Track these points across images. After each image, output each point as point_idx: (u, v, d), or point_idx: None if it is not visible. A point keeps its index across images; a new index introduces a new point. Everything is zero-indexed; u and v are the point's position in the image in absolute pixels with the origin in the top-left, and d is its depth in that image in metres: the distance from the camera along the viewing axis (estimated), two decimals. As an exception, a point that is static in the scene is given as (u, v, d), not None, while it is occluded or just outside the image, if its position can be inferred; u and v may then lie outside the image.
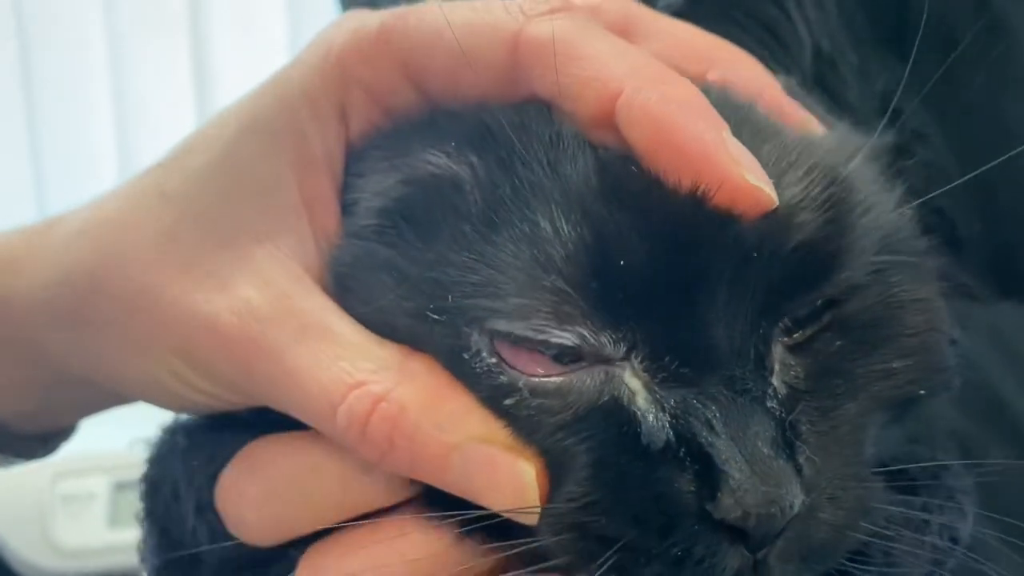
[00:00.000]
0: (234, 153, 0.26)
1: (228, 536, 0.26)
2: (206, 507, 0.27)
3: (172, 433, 0.30)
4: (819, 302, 0.23)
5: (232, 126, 0.26)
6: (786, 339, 0.23)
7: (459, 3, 0.25)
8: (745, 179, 0.21)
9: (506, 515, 0.21)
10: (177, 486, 0.28)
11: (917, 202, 0.36)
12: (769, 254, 0.21)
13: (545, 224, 0.21)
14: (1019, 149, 0.37)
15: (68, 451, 0.84)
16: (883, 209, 0.25)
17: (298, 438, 0.26)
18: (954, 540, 0.29)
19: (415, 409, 0.22)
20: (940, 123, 0.40)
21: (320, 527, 0.25)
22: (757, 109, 0.26)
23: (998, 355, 0.36)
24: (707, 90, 0.24)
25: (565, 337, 0.21)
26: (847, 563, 0.24)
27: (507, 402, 0.22)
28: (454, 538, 0.23)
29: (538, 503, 0.21)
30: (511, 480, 0.21)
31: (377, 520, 0.25)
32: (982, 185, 0.40)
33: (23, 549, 0.81)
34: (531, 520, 0.21)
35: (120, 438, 0.86)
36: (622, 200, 0.21)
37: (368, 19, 0.26)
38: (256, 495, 0.26)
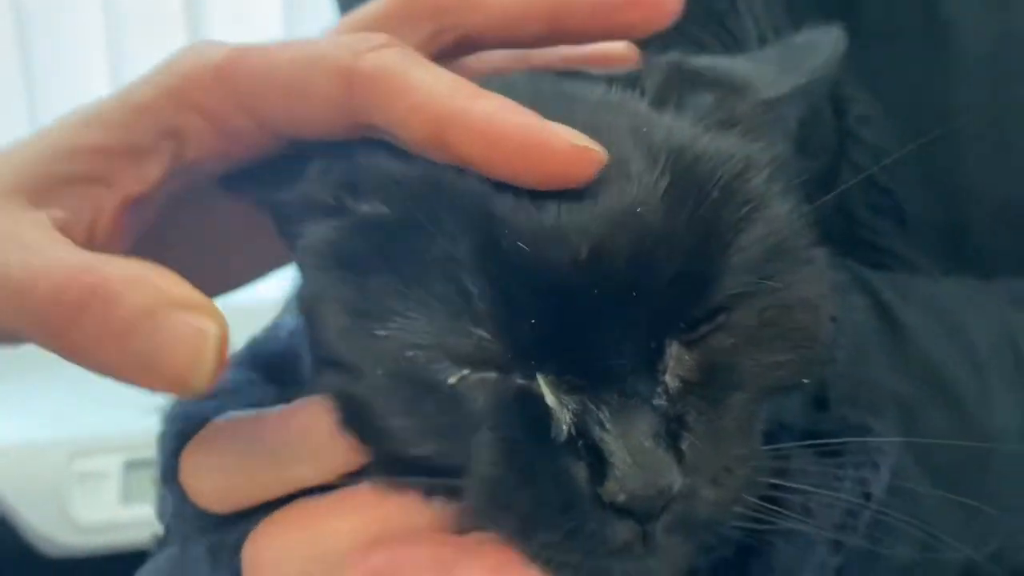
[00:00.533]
0: (63, 138, 0.27)
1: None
2: (170, 478, 0.29)
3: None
4: (709, 308, 0.25)
5: (76, 115, 0.28)
6: (682, 337, 0.25)
7: (298, 40, 0.27)
8: (571, 143, 0.23)
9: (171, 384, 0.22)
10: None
11: (858, 178, 0.39)
12: (647, 288, 0.24)
13: (466, 284, 0.24)
14: (938, 134, 0.40)
15: (83, 432, 0.88)
16: (771, 217, 0.27)
17: (245, 419, 0.28)
18: (866, 495, 0.31)
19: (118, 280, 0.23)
20: (886, 108, 0.42)
21: (264, 499, 0.27)
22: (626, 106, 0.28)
23: (937, 326, 0.39)
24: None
25: (485, 373, 0.25)
26: (766, 515, 0.27)
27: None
28: (397, 503, 0.26)
29: (213, 365, 0.22)
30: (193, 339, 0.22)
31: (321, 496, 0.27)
32: (929, 166, 0.42)
33: (41, 525, 0.85)
34: (200, 383, 0.22)
35: (132, 420, 0.89)
36: (519, 265, 0.24)
37: (213, 50, 0.27)
38: (206, 467, 0.28)
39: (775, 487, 0.27)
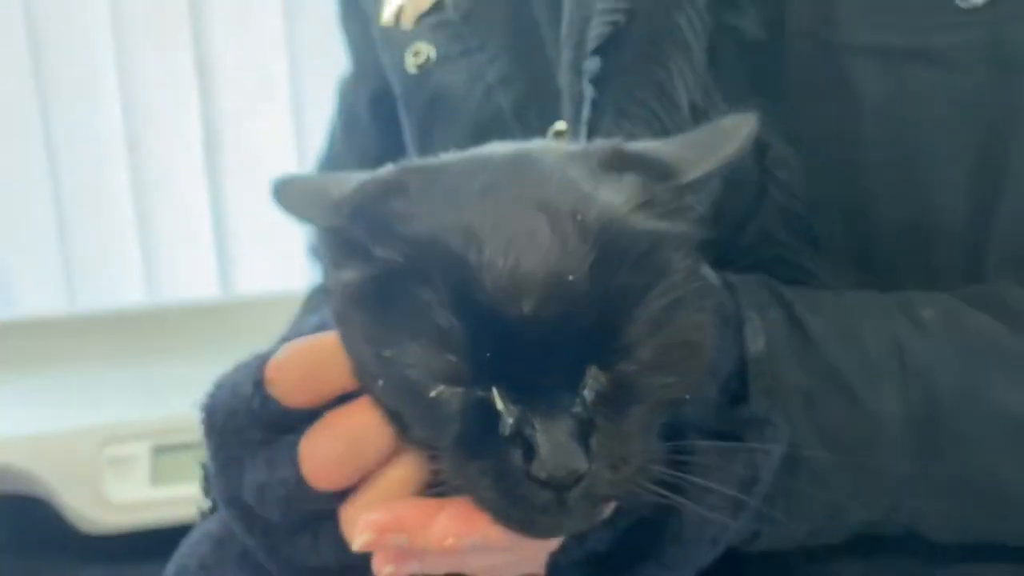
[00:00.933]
0: None
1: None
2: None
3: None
4: (624, 342, 0.34)
5: None
6: (602, 363, 0.34)
7: None
8: None
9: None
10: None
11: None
12: (572, 332, 0.33)
13: (444, 323, 0.33)
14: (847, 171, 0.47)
15: (114, 420, 0.95)
16: (673, 282, 0.35)
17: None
18: (756, 474, 0.40)
19: None
20: (803, 152, 0.49)
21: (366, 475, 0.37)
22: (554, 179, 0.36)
23: (837, 332, 0.46)
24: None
25: (455, 388, 0.34)
26: (667, 493, 0.35)
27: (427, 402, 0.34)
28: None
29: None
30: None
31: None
32: (840, 198, 0.50)
33: (78, 506, 0.92)
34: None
35: (158, 408, 0.97)
36: (483, 312, 0.33)
37: None
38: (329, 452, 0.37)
39: (678, 470, 0.35)
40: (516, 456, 0.33)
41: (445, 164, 0.39)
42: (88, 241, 1.53)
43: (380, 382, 0.35)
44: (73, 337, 1.15)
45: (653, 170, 0.37)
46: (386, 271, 0.35)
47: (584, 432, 0.33)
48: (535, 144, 0.41)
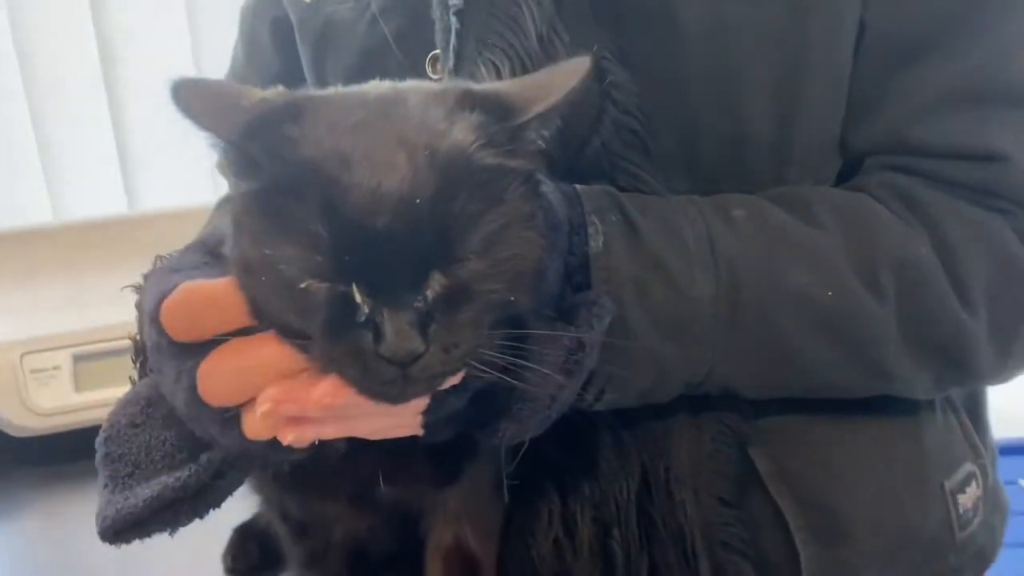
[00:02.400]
0: None
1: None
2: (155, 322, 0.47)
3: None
4: (461, 255, 0.42)
5: None
6: (444, 270, 0.42)
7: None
8: None
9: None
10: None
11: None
12: (412, 241, 0.41)
13: (315, 229, 0.41)
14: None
15: (33, 333, 1.00)
16: (506, 210, 0.43)
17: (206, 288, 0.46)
18: (580, 344, 0.50)
19: None
20: (638, 75, 0.58)
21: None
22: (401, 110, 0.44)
23: (662, 228, 0.56)
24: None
25: (321, 283, 0.42)
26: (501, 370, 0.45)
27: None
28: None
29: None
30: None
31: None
32: (669, 113, 0.59)
33: (6, 414, 0.98)
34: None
35: (76, 320, 1.02)
36: (346, 223, 0.41)
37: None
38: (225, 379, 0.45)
39: (511, 350, 0.45)
40: (368, 339, 0.41)
41: (329, 98, 0.46)
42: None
43: (263, 278, 0.43)
44: (-16, 255, 1.17)
45: (496, 111, 0.44)
46: (272, 185, 0.42)
47: (423, 323, 0.42)
48: (406, 84, 0.48)
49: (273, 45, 0.76)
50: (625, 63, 0.57)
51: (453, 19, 0.56)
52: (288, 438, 0.45)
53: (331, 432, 0.47)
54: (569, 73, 0.46)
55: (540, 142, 0.46)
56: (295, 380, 0.44)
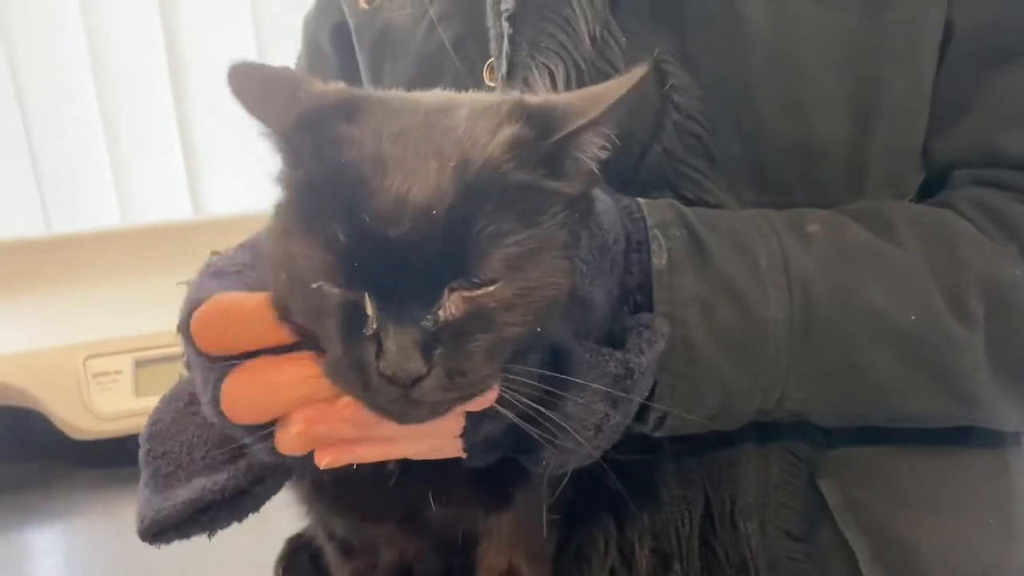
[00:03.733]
0: None
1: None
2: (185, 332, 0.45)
3: None
4: (479, 277, 0.40)
5: None
6: (460, 292, 0.40)
7: None
8: None
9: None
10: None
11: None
12: (425, 254, 0.39)
13: (335, 232, 0.39)
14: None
15: (96, 336, 1.01)
16: (536, 233, 0.41)
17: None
18: (628, 370, 0.47)
19: None
20: (700, 77, 0.55)
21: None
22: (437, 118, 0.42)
23: (731, 246, 0.53)
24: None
25: (334, 287, 0.40)
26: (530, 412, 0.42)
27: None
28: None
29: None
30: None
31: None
32: (734, 119, 0.56)
33: (67, 416, 0.99)
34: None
35: (139, 325, 1.03)
36: (366, 230, 0.39)
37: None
38: (244, 399, 0.43)
39: (548, 382, 0.42)
40: (371, 352, 0.39)
41: (387, 100, 0.44)
42: (59, 165, 1.56)
43: (283, 275, 0.41)
44: (52, 259, 1.20)
45: (539, 125, 0.41)
46: (308, 182, 0.41)
47: (428, 343, 0.39)
48: (465, 95, 0.46)
49: (333, 51, 0.76)
50: (687, 65, 0.54)
51: (505, 24, 0.54)
52: (324, 461, 0.44)
53: (367, 454, 0.45)
54: (620, 85, 0.43)
55: (590, 162, 0.43)
56: (326, 401, 0.43)
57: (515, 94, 0.46)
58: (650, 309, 0.51)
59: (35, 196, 1.55)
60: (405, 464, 0.49)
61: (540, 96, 0.45)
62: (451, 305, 0.40)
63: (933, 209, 0.57)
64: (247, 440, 0.45)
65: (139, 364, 1.01)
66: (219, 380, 0.44)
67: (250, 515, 0.51)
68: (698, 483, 0.59)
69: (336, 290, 0.40)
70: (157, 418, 0.52)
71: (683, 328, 0.51)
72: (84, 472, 0.99)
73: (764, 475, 0.59)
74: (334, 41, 0.75)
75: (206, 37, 1.59)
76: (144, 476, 0.51)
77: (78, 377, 1.00)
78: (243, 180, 1.62)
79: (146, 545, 0.86)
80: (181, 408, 0.51)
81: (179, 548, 0.87)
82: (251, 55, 1.60)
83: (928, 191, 0.59)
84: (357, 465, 0.46)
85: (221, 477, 0.48)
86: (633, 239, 0.51)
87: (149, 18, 1.55)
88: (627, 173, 0.54)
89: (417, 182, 0.39)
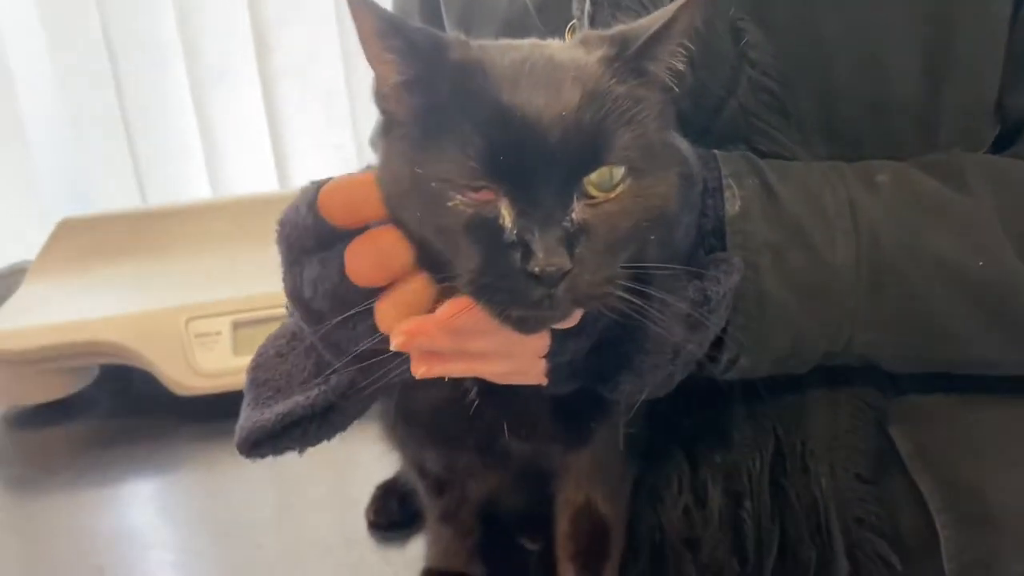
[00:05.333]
0: None
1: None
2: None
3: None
4: (607, 185, 0.44)
5: None
6: (587, 200, 0.44)
7: None
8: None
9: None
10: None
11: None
12: (563, 149, 0.43)
13: (472, 139, 0.43)
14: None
15: (198, 300, 1.07)
16: (642, 131, 0.45)
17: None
18: (706, 297, 0.50)
19: None
20: (775, 34, 0.57)
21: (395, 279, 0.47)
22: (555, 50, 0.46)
23: (801, 195, 0.55)
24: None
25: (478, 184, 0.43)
26: (631, 305, 0.45)
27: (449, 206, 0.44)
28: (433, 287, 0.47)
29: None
30: None
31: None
32: (809, 75, 0.58)
33: (172, 374, 1.05)
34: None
35: (235, 289, 1.09)
36: (503, 134, 0.43)
37: None
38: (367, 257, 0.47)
39: (638, 293, 0.45)
40: (516, 257, 0.42)
41: (486, 44, 0.48)
42: (154, 142, 1.64)
43: (411, 199, 0.45)
44: (153, 229, 1.26)
45: (620, 45, 0.46)
46: (439, 102, 0.44)
47: (571, 242, 0.43)
48: (546, 40, 0.50)
49: (422, 19, 0.80)
50: (761, 23, 0.56)
51: None
52: (419, 371, 0.48)
53: (458, 369, 0.49)
54: (677, 2, 0.46)
55: (664, 73, 0.47)
56: (426, 314, 0.46)
57: (588, 31, 0.50)
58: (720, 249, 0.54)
59: (131, 172, 1.63)
60: (485, 394, 0.53)
61: (608, 29, 0.48)
62: (585, 207, 0.44)
63: (1005, 159, 0.58)
64: (349, 327, 0.49)
65: (236, 326, 1.07)
66: (343, 248, 0.48)
67: (339, 433, 0.55)
68: (769, 426, 0.62)
69: (471, 207, 0.43)
70: (262, 351, 0.57)
71: (754, 272, 0.53)
72: (186, 427, 1.04)
73: (834, 419, 0.61)
74: (424, 11, 0.79)
75: (291, 21, 1.65)
76: (247, 398, 0.56)
77: (181, 338, 1.05)
78: (324, 157, 1.69)
79: (241, 494, 0.92)
80: (283, 344, 0.56)
81: (272, 496, 0.93)
82: (334, 38, 1.67)
83: (1003, 145, 0.60)
84: (440, 390, 0.49)
85: (312, 393, 0.53)
86: (709, 185, 0.54)
87: (238, 6, 1.62)
88: (704, 126, 0.57)
89: (544, 94, 0.43)
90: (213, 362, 1.05)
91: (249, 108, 1.67)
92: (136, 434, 1.05)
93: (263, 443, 0.54)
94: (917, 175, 0.56)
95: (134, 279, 1.17)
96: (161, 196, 1.64)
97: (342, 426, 0.55)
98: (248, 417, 0.54)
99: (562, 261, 0.42)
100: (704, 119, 0.57)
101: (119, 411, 1.12)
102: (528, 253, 0.42)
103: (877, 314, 0.55)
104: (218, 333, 1.06)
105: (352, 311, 0.48)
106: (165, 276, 1.17)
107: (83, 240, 1.23)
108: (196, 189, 1.66)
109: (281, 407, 0.53)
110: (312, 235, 0.49)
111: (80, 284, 1.17)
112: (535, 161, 0.42)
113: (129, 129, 1.61)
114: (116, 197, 1.61)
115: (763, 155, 0.57)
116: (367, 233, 0.47)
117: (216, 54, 1.63)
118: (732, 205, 0.53)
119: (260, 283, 1.08)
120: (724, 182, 0.54)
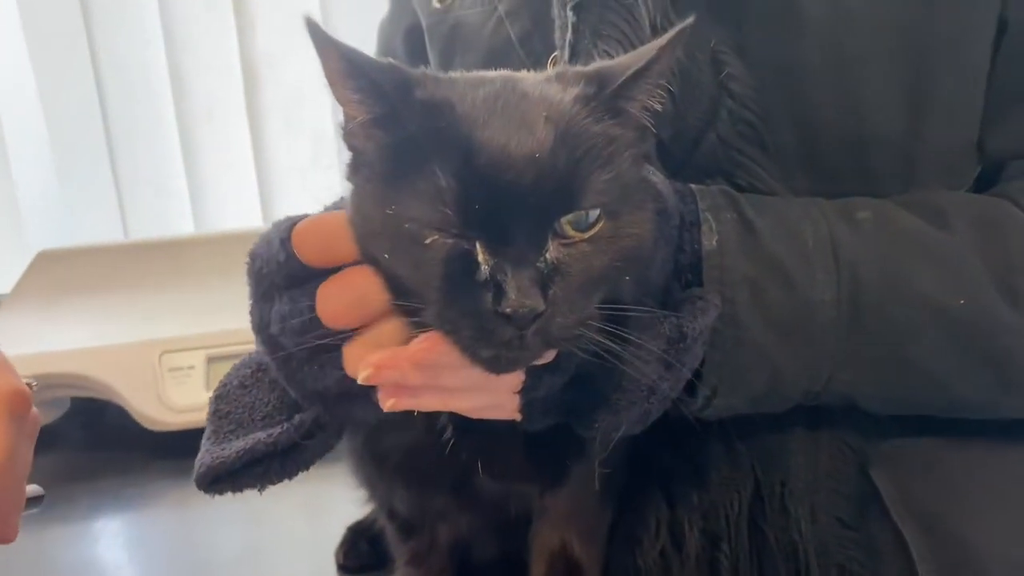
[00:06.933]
0: None
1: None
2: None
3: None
4: (583, 225, 0.43)
5: None
6: (561, 240, 0.43)
7: None
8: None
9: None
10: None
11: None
12: (537, 192, 0.42)
13: (442, 183, 0.42)
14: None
15: (172, 334, 1.06)
16: (618, 172, 0.44)
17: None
18: (682, 334, 0.49)
19: None
20: (754, 66, 0.56)
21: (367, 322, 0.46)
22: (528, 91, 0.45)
23: (780, 230, 0.54)
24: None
25: (446, 238, 0.43)
26: (604, 346, 0.44)
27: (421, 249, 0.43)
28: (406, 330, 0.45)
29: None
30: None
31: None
32: (787, 107, 0.57)
33: (144, 408, 1.03)
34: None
35: (211, 323, 1.07)
36: (476, 177, 0.42)
37: None
38: (341, 297, 0.46)
39: (612, 333, 0.44)
40: (488, 298, 0.41)
41: (455, 77, 0.48)
42: (139, 176, 1.63)
43: (383, 239, 0.44)
44: (131, 263, 1.25)
45: (597, 83, 0.45)
46: (407, 140, 0.43)
47: (544, 282, 0.42)
48: (520, 73, 0.49)
49: (406, 54, 0.80)
50: (742, 55, 0.56)
51: (570, 13, 0.57)
52: (387, 403, 0.46)
53: (428, 403, 0.47)
54: (663, 39, 0.46)
55: (640, 113, 0.46)
56: (399, 348, 0.45)
57: (565, 66, 0.49)
58: (696, 285, 0.53)
59: (115, 205, 1.62)
60: (460, 431, 0.51)
61: (590, 65, 0.48)
62: (560, 247, 0.43)
63: (985, 198, 0.57)
64: (317, 365, 0.47)
65: (211, 360, 1.05)
66: (315, 287, 0.47)
67: (302, 471, 0.54)
68: (748, 466, 0.60)
69: (449, 241, 0.42)
70: (226, 381, 0.55)
71: (732, 307, 0.52)
72: (157, 463, 1.02)
73: (814, 461, 0.60)
74: (407, 44, 0.79)
75: (280, 59, 1.66)
76: (207, 431, 0.54)
77: (154, 371, 1.04)
78: (308, 193, 1.68)
79: (210, 533, 0.90)
80: (248, 374, 0.55)
81: (241, 535, 0.91)
82: (323, 77, 1.67)
83: (984, 183, 0.59)
84: (412, 429, 0.48)
85: (276, 431, 0.51)
86: (686, 219, 0.53)
87: (227, 39, 1.62)
88: (682, 160, 0.56)
89: (516, 134, 0.42)
90: (185, 397, 1.03)
91: (236, 145, 1.66)
92: (106, 469, 1.03)
93: (222, 480, 0.52)
94: (899, 212, 0.55)
95: (109, 312, 1.15)
96: (144, 232, 1.63)
97: (305, 465, 0.53)
98: (208, 451, 0.53)
99: (535, 302, 0.41)
100: (682, 152, 0.57)
101: (89, 445, 1.10)
102: (500, 293, 0.41)
103: (857, 353, 0.53)
104: (191, 367, 1.05)
105: (321, 352, 0.47)
106: (140, 310, 1.15)
107: (60, 272, 1.22)
108: (180, 225, 1.65)
109: (242, 443, 0.52)
110: (283, 272, 0.48)
111: (54, 316, 1.15)
112: (509, 203, 0.42)
113: (115, 164, 1.61)
114: (100, 232, 1.60)
115: (741, 189, 0.57)
116: (340, 274, 0.47)
117: (204, 93, 1.63)
118: (709, 239, 0.53)
119: (236, 318, 1.05)
120: (701, 216, 0.53)
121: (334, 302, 0.46)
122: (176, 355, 1.05)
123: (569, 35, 0.57)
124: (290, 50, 1.65)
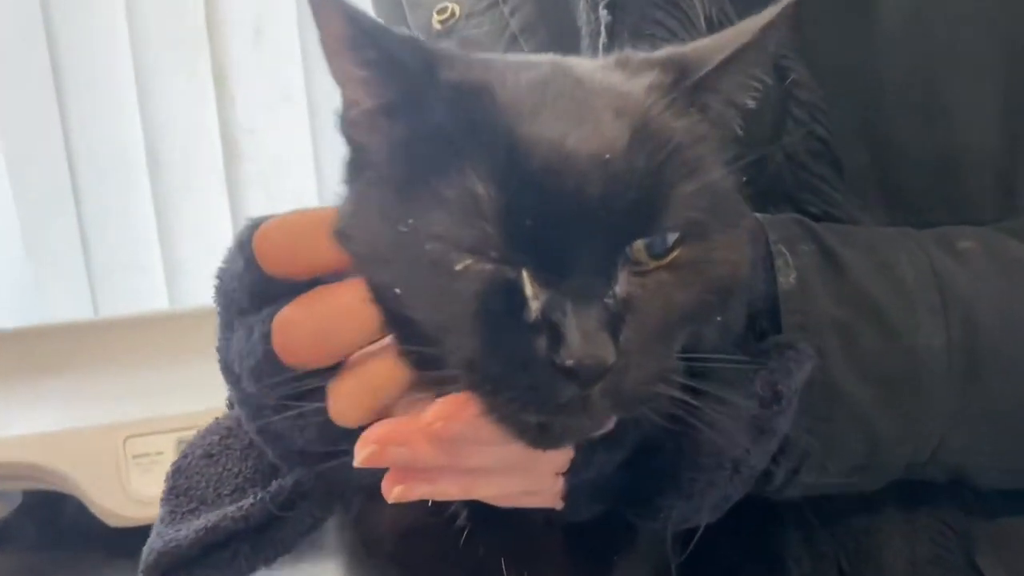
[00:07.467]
0: None
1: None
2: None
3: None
4: (659, 249, 0.33)
5: None
6: (632, 268, 0.33)
7: None
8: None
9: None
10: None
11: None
12: (608, 206, 0.32)
13: (477, 189, 0.32)
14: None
15: (137, 416, 0.95)
16: (707, 180, 0.34)
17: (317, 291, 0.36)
18: (776, 393, 0.38)
19: None
20: (824, 74, 0.48)
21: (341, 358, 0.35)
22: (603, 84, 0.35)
23: (870, 264, 0.45)
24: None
25: (484, 264, 0.32)
26: (684, 407, 0.34)
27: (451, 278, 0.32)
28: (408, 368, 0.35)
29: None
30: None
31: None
32: (863, 123, 0.49)
33: (104, 501, 0.92)
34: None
35: (182, 405, 0.97)
36: (526, 183, 0.32)
37: None
38: (301, 328, 0.35)
39: (693, 388, 0.34)
40: (540, 343, 0.31)
41: (492, 59, 0.38)
42: (111, 251, 1.55)
43: (393, 264, 0.33)
44: (95, 341, 1.16)
45: (673, 70, 0.36)
46: (430, 134, 0.33)
47: (614, 324, 0.32)
48: (567, 58, 0.40)
49: None
50: (809, 60, 0.48)
51: (604, 14, 0.49)
52: (393, 492, 0.35)
53: (447, 490, 0.36)
54: (755, 21, 0.37)
55: (729, 111, 0.37)
56: (409, 416, 0.34)
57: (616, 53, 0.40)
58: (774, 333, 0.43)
59: (84, 283, 1.54)
60: (480, 518, 0.41)
61: (661, 51, 0.39)
62: (631, 278, 0.33)
63: None
64: (307, 381, 0.36)
65: (182, 444, 0.94)
66: (272, 313, 0.36)
67: (280, 557, 0.42)
68: (831, 557, 0.50)
69: (488, 267, 0.32)
70: (187, 452, 0.44)
71: (819, 359, 0.42)
72: (119, 562, 0.93)
73: (911, 549, 0.50)
74: None
75: (260, 131, 1.59)
76: (161, 512, 0.43)
77: (117, 459, 0.94)
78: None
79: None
80: (216, 441, 0.43)
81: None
82: (306, 146, 1.61)
83: None
84: (416, 509, 0.37)
85: (246, 502, 0.40)
86: (754, 256, 0.44)
87: (206, 110, 1.56)
88: (746, 184, 0.48)
89: (576, 129, 0.32)
90: (152, 487, 0.92)
91: (215, 218, 1.59)
92: (63, 570, 0.96)
93: (177, 569, 0.40)
94: (1007, 241, 0.47)
95: (68, 394, 1.07)
96: (116, 310, 1.53)
97: (284, 546, 0.42)
98: (159, 534, 0.41)
99: (605, 352, 0.31)
100: (749, 174, 0.48)
101: (44, 544, 1.01)
102: (558, 338, 0.31)
103: (975, 410, 0.44)
104: (160, 453, 0.94)
105: (293, 397, 0.36)
106: (103, 391, 1.06)
107: (18, 353, 1.13)
108: (154, 302, 1.56)
109: (203, 521, 0.40)
110: (246, 287, 0.37)
111: (8, 399, 1.06)
112: (568, 219, 0.32)
113: (85, 241, 1.54)
114: (69, 310, 1.51)
115: (815, 218, 0.48)
116: (307, 294, 0.36)
117: (182, 167, 1.57)
118: (786, 276, 0.43)
119: (212, 396, 0.96)
120: (773, 248, 0.44)
121: (293, 333, 0.35)
122: (142, 439, 0.95)
123: (603, 38, 0.49)
124: (270, 124, 1.59)
